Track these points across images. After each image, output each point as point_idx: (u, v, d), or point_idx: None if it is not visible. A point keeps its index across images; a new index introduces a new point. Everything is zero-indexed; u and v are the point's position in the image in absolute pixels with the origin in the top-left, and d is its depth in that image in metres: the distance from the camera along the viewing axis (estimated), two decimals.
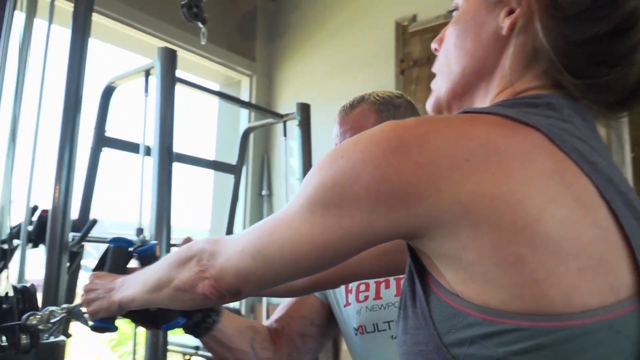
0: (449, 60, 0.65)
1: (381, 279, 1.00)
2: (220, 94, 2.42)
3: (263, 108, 2.84)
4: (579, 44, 0.54)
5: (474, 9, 0.62)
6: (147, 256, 0.85)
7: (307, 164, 2.37)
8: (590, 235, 0.45)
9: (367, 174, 0.48)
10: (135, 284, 0.72)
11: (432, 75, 0.70)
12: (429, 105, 0.69)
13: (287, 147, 2.59)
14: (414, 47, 3.37)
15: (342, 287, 1.03)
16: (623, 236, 0.47)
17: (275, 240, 0.55)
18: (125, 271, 0.83)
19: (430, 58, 3.06)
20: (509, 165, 0.46)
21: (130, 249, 0.86)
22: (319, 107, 2.55)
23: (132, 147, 1.95)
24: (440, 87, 0.66)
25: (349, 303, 1.02)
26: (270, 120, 2.61)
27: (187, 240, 0.85)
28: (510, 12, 0.58)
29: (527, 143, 0.48)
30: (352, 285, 1.03)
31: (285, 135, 2.54)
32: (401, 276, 0.92)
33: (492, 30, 0.60)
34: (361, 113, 1.06)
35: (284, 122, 2.51)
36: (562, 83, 0.55)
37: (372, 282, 1.02)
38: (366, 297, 1.01)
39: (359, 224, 0.49)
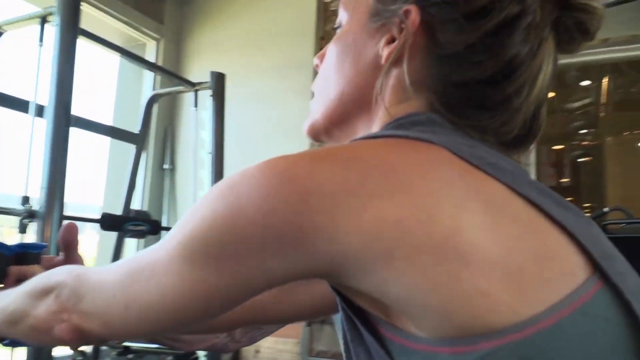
0: (326, 82, 0.60)
1: None
2: (128, 54, 2.19)
3: (174, 74, 2.64)
4: (456, 85, 0.51)
5: (355, 31, 0.57)
6: (28, 259, 0.71)
7: (219, 137, 2.25)
8: (515, 232, 0.41)
9: (252, 207, 0.41)
10: None
11: None
12: (305, 128, 0.63)
13: (198, 118, 2.42)
14: (332, 25, 3.32)
15: None
16: (552, 222, 0.42)
17: (152, 288, 0.45)
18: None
19: None
20: (409, 182, 0.41)
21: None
22: (232, 78, 2.40)
23: (21, 105, 1.70)
24: (317, 110, 0.61)
25: None
26: (180, 88, 2.43)
27: (70, 228, 0.73)
28: (391, 41, 0.53)
29: (422, 157, 0.44)
30: None
31: (196, 105, 2.37)
32: None
33: (372, 56, 0.55)
34: None
35: (196, 92, 2.35)
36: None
37: None
38: None
39: (247, 268, 0.42)
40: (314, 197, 0.39)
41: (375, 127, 0.55)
